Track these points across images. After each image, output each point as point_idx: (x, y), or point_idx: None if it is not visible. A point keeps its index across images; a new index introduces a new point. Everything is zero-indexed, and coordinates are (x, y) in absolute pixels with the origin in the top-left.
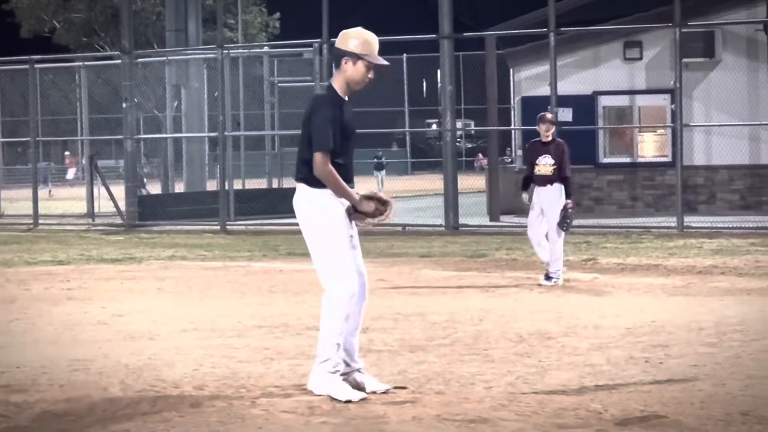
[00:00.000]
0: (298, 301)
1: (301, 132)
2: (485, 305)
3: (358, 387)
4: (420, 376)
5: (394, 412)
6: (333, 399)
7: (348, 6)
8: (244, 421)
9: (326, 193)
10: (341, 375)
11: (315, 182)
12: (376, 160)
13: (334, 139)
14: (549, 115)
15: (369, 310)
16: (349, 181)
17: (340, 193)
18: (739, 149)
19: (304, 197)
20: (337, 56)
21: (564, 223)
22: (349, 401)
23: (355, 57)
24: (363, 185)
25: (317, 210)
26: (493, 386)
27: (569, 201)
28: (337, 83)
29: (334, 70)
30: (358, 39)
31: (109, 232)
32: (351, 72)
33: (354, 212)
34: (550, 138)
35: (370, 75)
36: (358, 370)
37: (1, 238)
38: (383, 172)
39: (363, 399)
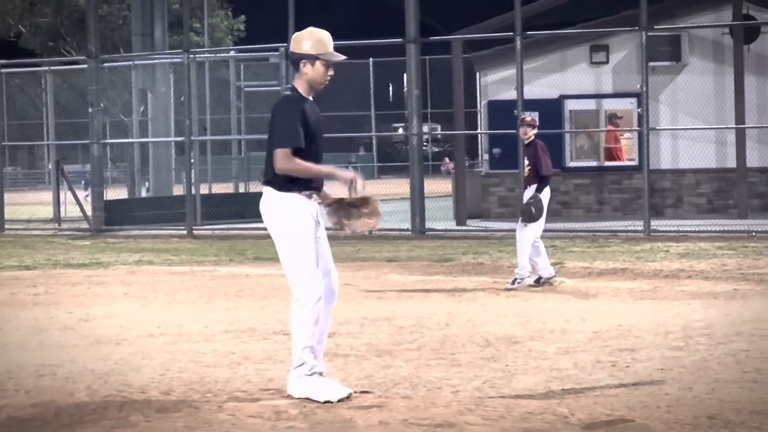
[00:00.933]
0: (265, 305)
1: (268, 135)
2: (452, 309)
3: None
4: (387, 380)
5: (361, 416)
6: (312, 401)
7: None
8: (211, 426)
9: (292, 197)
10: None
11: (281, 185)
12: (350, 167)
13: (299, 137)
14: (528, 118)
15: (335, 314)
16: (320, 186)
17: (314, 173)
18: (706, 153)
19: (270, 200)
20: (295, 60)
21: (523, 214)
22: (328, 401)
23: (313, 58)
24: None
25: (282, 213)
26: (460, 390)
27: (535, 194)
28: (300, 86)
29: (294, 75)
30: (311, 40)
31: (76, 236)
32: (311, 73)
33: (336, 208)
34: (528, 140)
35: (330, 73)
36: (320, 374)
37: None
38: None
39: (347, 396)
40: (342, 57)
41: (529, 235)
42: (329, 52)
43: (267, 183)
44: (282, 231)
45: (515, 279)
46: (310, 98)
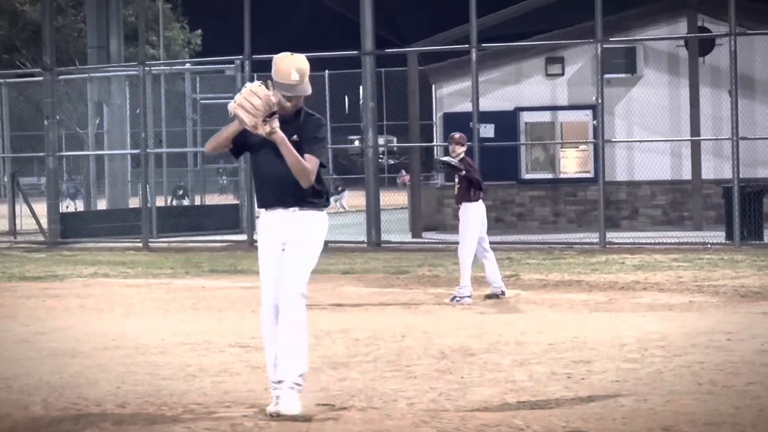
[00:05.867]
0: (221, 318)
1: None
2: (408, 322)
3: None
4: (343, 393)
5: (317, 428)
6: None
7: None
8: None
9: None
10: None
11: (322, 205)
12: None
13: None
14: (456, 135)
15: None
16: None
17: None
18: (661, 165)
19: (318, 219)
20: None
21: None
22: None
23: (273, 81)
24: None
25: (323, 233)
26: (416, 403)
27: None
28: None
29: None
30: (275, 63)
31: (31, 249)
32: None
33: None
34: (458, 158)
35: (285, 96)
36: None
37: None
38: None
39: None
40: (291, 90)
41: (463, 253)
42: (280, 81)
43: (307, 204)
44: (316, 246)
45: (454, 296)
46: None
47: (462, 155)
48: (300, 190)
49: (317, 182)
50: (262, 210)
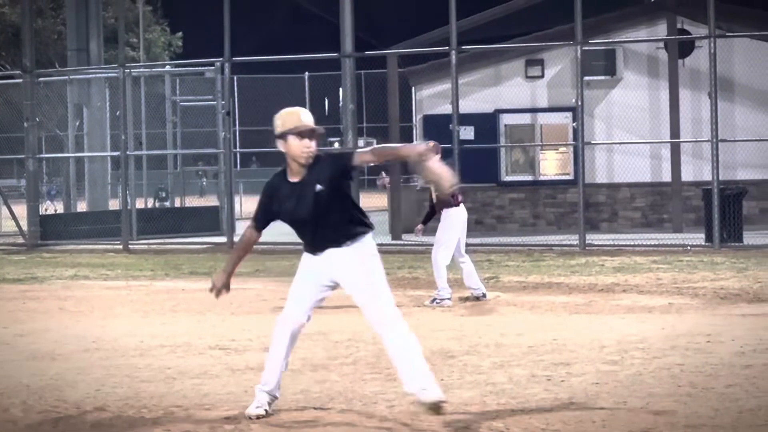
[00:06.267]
0: (201, 320)
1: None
2: None
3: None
4: (323, 395)
5: (297, 431)
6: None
7: (251, 26)
8: None
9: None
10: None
11: (370, 228)
12: None
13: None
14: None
15: (270, 328)
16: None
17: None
18: (641, 167)
19: (369, 243)
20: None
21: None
22: None
23: (284, 135)
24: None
25: (376, 254)
26: (396, 405)
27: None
28: (288, 165)
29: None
30: (279, 119)
31: (11, 251)
32: (288, 150)
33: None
34: None
35: (308, 143)
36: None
37: None
38: None
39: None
40: (309, 125)
41: (441, 256)
42: (297, 126)
43: (359, 234)
44: (378, 268)
45: (434, 299)
46: (294, 180)
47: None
48: (348, 227)
49: (354, 208)
50: (309, 254)
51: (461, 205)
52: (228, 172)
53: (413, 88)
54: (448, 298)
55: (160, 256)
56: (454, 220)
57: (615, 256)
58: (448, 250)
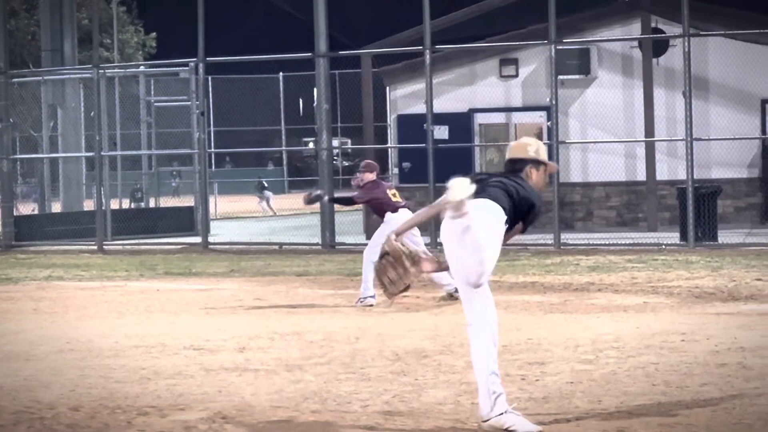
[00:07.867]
0: (176, 320)
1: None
2: (362, 324)
3: None
4: (297, 395)
5: (271, 431)
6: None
7: (225, 26)
8: None
9: None
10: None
11: None
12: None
13: None
14: (362, 164)
15: (245, 329)
16: None
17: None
18: (615, 166)
19: None
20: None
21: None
22: None
23: (539, 164)
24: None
25: None
26: (370, 405)
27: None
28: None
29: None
30: (535, 145)
31: None
32: (535, 177)
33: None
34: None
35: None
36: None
37: None
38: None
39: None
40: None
41: (367, 255)
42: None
43: None
44: None
45: (359, 298)
46: None
47: (369, 182)
48: None
49: None
50: None
51: (401, 209)
52: (203, 173)
53: (387, 87)
54: (372, 296)
55: (134, 256)
56: (395, 223)
57: (590, 255)
58: (373, 250)
